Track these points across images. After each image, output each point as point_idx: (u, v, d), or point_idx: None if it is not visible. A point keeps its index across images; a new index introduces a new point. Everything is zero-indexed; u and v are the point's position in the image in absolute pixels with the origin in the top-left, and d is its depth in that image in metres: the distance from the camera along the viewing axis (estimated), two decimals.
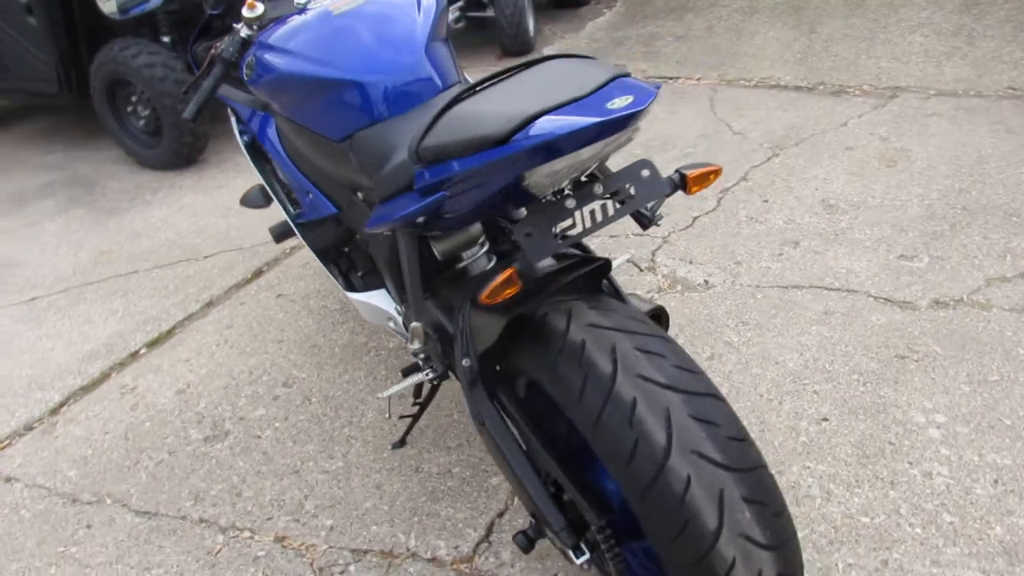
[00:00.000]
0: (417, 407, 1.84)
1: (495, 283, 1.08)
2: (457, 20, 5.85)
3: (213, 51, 1.81)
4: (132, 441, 2.19)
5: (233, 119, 2.16)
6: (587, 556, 1.28)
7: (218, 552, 1.80)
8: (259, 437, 2.14)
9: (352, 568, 1.72)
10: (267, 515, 1.88)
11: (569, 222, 1.17)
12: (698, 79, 4.44)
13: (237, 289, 2.90)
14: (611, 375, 1.10)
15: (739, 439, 1.09)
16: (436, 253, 1.45)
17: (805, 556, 1.38)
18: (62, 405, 2.39)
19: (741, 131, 3.66)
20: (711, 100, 4.10)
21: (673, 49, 4.87)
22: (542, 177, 1.08)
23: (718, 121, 3.81)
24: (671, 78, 4.51)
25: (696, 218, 2.94)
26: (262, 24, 1.74)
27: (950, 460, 1.78)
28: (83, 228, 3.60)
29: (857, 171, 3.14)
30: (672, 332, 2.31)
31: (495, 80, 1.13)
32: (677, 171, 1.16)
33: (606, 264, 1.30)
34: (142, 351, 2.61)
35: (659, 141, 3.66)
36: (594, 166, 1.18)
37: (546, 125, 1.01)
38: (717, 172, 1.15)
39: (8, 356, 2.67)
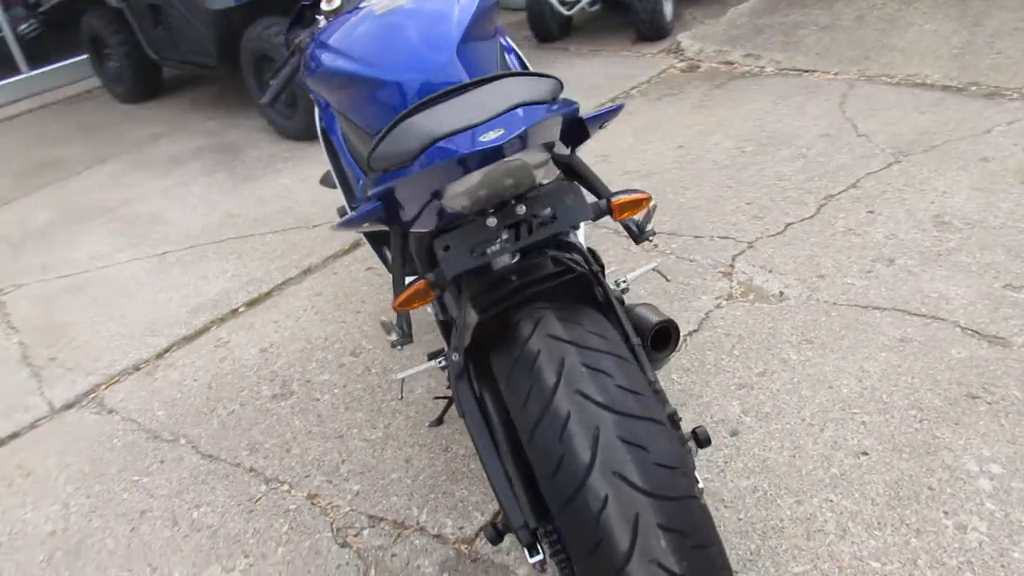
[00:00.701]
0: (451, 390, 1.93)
1: (406, 293, 1.13)
2: (592, 3, 5.77)
3: (297, 40, 1.95)
4: (214, 390, 2.44)
5: (316, 106, 2.32)
6: (539, 557, 1.31)
7: (258, 500, 1.99)
8: (318, 400, 2.31)
9: (365, 533, 1.84)
10: (306, 472, 2.05)
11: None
12: (835, 74, 4.16)
13: (334, 259, 3.12)
14: (552, 388, 1.13)
15: (669, 467, 1.08)
16: None
17: None
18: (166, 351, 2.69)
19: (866, 133, 3.41)
20: (843, 97, 3.84)
21: (815, 39, 4.58)
22: (455, 197, 1.11)
23: (844, 120, 3.57)
24: (806, 71, 4.26)
25: (789, 224, 2.80)
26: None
27: (993, 516, 1.63)
28: (221, 192, 3.98)
29: (986, 186, 2.85)
30: (728, 344, 2.25)
31: (450, 94, 1.16)
32: (605, 197, 1.14)
33: (582, 276, 1.30)
34: (241, 309, 2.88)
35: (775, 139, 3.49)
36: (539, 181, 1.19)
37: (432, 153, 1.04)
38: (647, 200, 1.12)
39: (135, 303, 3.04)
